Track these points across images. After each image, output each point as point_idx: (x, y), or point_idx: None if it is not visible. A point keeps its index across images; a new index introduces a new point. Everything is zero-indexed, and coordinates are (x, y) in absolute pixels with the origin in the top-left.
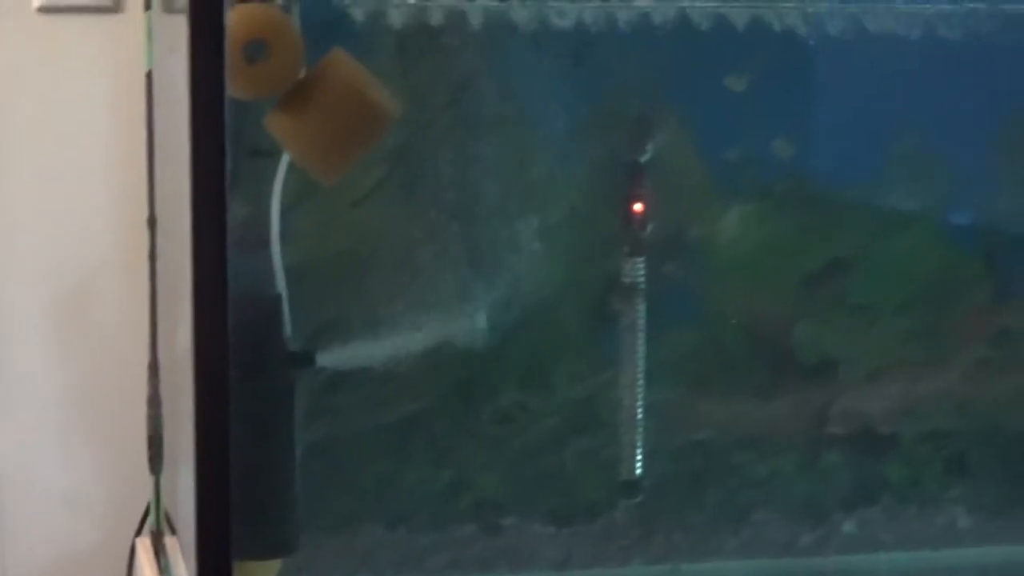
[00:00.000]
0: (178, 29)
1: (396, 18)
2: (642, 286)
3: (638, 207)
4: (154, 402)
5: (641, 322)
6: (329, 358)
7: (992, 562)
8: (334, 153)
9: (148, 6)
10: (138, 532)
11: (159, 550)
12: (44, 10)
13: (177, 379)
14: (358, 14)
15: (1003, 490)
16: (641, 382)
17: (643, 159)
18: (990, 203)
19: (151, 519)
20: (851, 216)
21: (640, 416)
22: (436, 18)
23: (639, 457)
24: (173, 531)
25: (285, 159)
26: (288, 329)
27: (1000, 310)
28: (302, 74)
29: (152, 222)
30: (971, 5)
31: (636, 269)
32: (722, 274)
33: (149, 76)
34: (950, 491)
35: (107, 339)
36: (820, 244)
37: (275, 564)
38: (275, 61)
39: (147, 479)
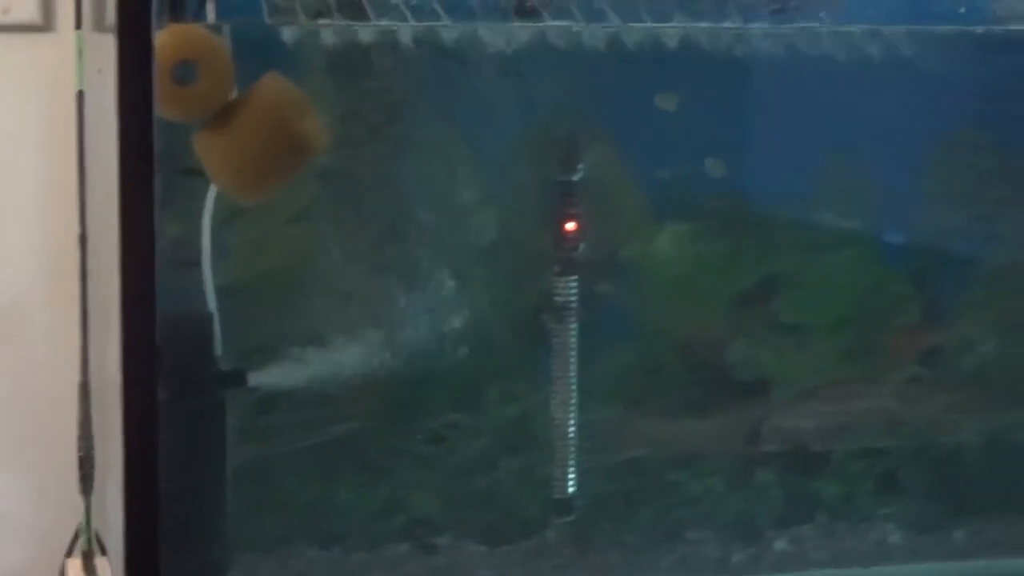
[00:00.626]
0: (108, 48)
1: (328, 39)
2: (575, 305)
3: (570, 226)
4: (85, 423)
5: (574, 341)
6: (261, 378)
7: None
8: (253, 177)
9: (79, 25)
10: (69, 553)
11: (89, 571)
12: None
13: (108, 399)
14: (289, 35)
15: (934, 507)
16: (574, 401)
17: (575, 178)
18: (920, 223)
19: (82, 540)
20: (784, 235)
21: (573, 435)
22: (367, 39)
23: (572, 476)
24: (104, 552)
25: None
26: (219, 348)
27: (930, 329)
28: (233, 96)
29: (83, 240)
30: (902, 27)
31: (569, 288)
32: (655, 293)
33: (80, 95)
34: (882, 508)
35: (38, 358)
36: (753, 263)
37: None
38: (204, 82)
39: (78, 500)
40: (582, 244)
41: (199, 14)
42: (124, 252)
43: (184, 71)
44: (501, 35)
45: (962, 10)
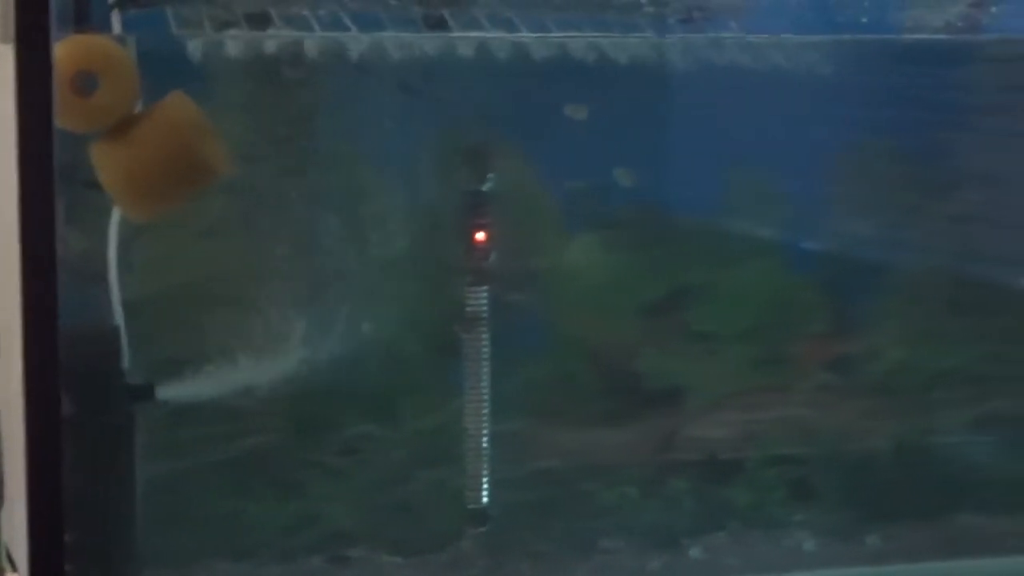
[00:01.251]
0: (7, 59)
1: (234, 51)
2: (486, 315)
3: (481, 236)
4: None
5: (486, 351)
6: (170, 392)
7: None
8: (146, 195)
9: None
10: None
11: None
12: None
13: (11, 414)
14: (195, 46)
15: (847, 514)
16: (487, 411)
17: (485, 188)
18: (829, 232)
19: None
20: (695, 245)
21: (487, 445)
22: (275, 51)
23: (486, 486)
24: (14, 568)
25: None
26: (127, 362)
27: (840, 336)
28: (136, 108)
29: None
30: (810, 37)
31: (480, 298)
32: (567, 303)
33: None
34: (795, 515)
35: None
36: (664, 272)
37: None
38: (105, 93)
39: None
40: (493, 254)
41: (104, 25)
42: (25, 265)
43: (85, 81)
44: (410, 46)
45: (864, 20)
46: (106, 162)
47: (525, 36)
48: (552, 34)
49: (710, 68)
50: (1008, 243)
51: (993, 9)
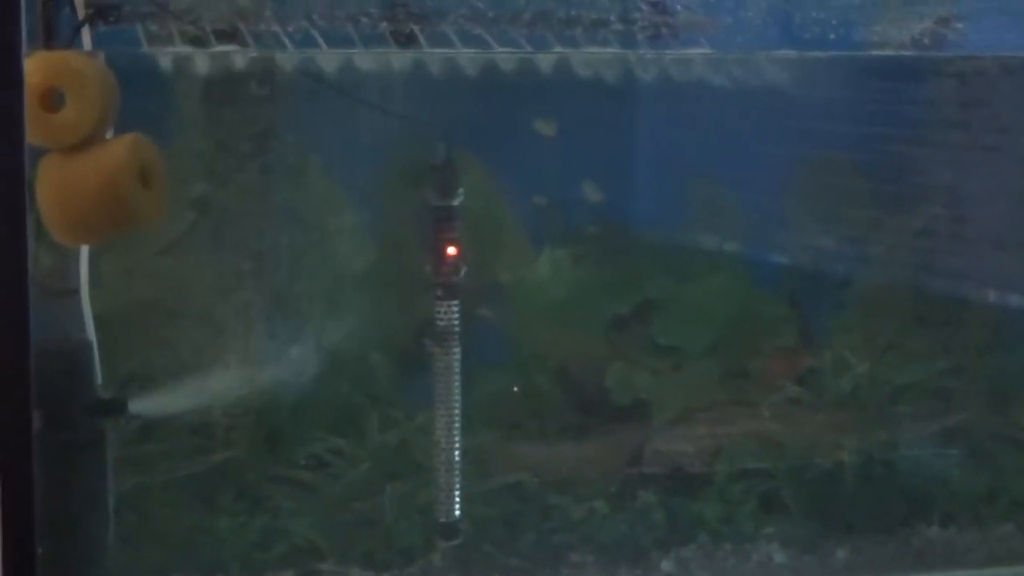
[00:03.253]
0: None
1: (202, 65)
2: (457, 329)
3: (451, 251)
4: None
5: (457, 365)
6: (141, 406)
7: None
8: (67, 224)
9: None
10: None
11: None
12: None
13: None
14: (165, 61)
15: (815, 527)
16: (458, 425)
17: (455, 203)
18: (792, 246)
19: None
20: (660, 259)
21: (458, 459)
22: (244, 67)
23: (457, 500)
24: None
25: None
26: (99, 377)
27: (805, 349)
28: (105, 124)
29: None
30: (776, 53)
31: (450, 312)
32: (534, 317)
33: None
34: (764, 528)
35: None
36: (630, 286)
37: None
38: (71, 110)
39: None
40: (463, 268)
41: (74, 41)
42: None
43: (53, 97)
44: (379, 62)
45: (832, 36)
46: (44, 179)
47: (494, 52)
48: (520, 50)
49: (678, 84)
50: (971, 257)
51: (959, 26)
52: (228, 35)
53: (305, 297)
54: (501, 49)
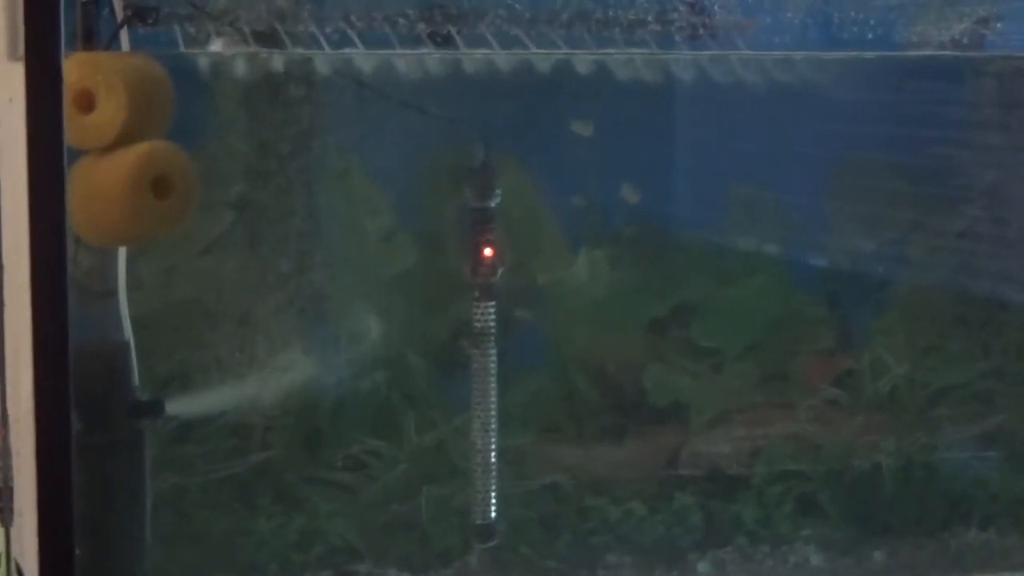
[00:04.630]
0: (18, 77)
1: (240, 66)
2: (493, 331)
3: (488, 252)
4: (3, 453)
5: (493, 367)
6: (178, 407)
7: None
8: (90, 225)
9: None
10: None
11: None
12: None
13: (22, 430)
14: (203, 62)
15: (853, 529)
16: (494, 426)
17: (492, 204)
18: (832, 248)
19: (1, 570)
20: (697, 261)
21: (494, 460)
22: (280, 67)
23: (494, 501)
24: None
25: None
26: (136, 378)
27: (844, 352)
28: (133, 123)
29: None
30: (814, 54)
31: (487, 314)
32: (572, 318)
33: None
34: (802, 530)
35: None
36: (667, 288)
37: None
38: (101, 112)
39: None
40: (500, 270)
41: (112, 43)
42: (35, 281)
43: (87, 99)
44: (416, 64)
45: (870, 36)
46: (74, 178)
47: (531, 53)
48: (558, 51)
49: (715, 85)
50: (1011, 259)
51: (998, 25)
52: (266, 36)
53: (343, 298)
54: (538, 50)
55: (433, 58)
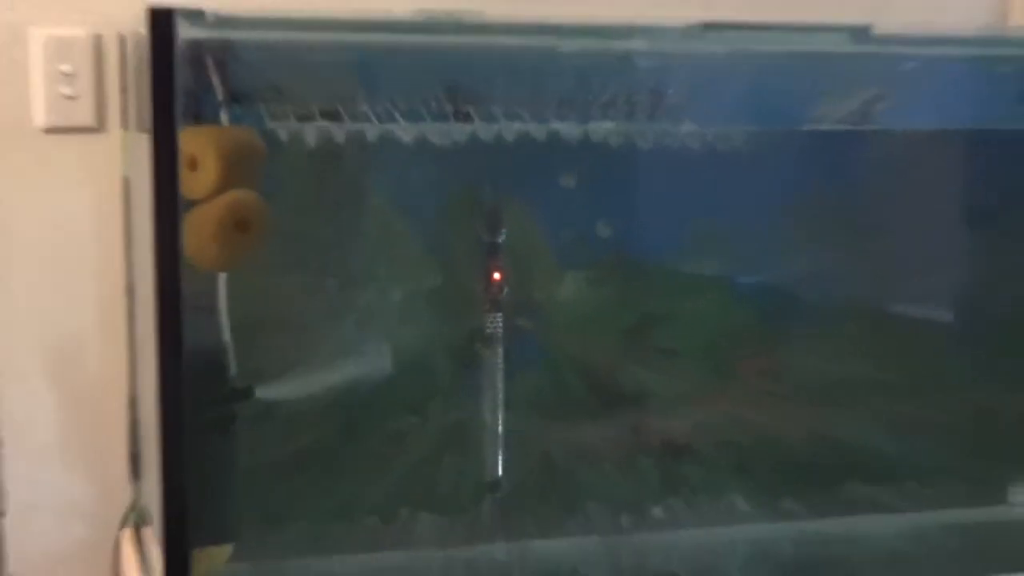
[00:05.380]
0: (144, 144)
1: (311, 136)
2: (500, 336)
3: (496, 276)
4: (133, 427)
5: (500, 364)
6: (263, 393)
7: (762, 536)
8: (194, 253)
9: (125, 126)
10: (122, 526)
11: (138, 539)
12: (47, 131)
13: (148, 411)
14: (282, 133)
15: (771, 483)
16: (501, 410)
17: (499, 240)
18: (765, 271)
19: (133, 516)
20: (659, 282)
21: (501, 434)
22: (341, 138)
23: (500, 463)
24: (149, 525)
25: None
26: (233, 370)
27: (774, 354)
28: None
29: (130, 290)
30: (741, 127)
31: (495, 323)
32: (562, 326)
33: (125, 180)
34: (733, 484)
35: (97, 381)
36: (636, 303)
37: (226, 548)
38: (200, 171)
39: (129, 487)
40: (506, 289)
41: (215, 117)
42: (158, 300)
43: (194, 162)
44: (444, 132)
45: (788, 113)
46: (187, 222)
47: (529, 124)
48: (550, 124)
49: (668, 149)
50: (899, 280)
51: (884, 104)
52: (331, 113)
53: (386, 311)
54: (536, 123)
55: (456, 128)
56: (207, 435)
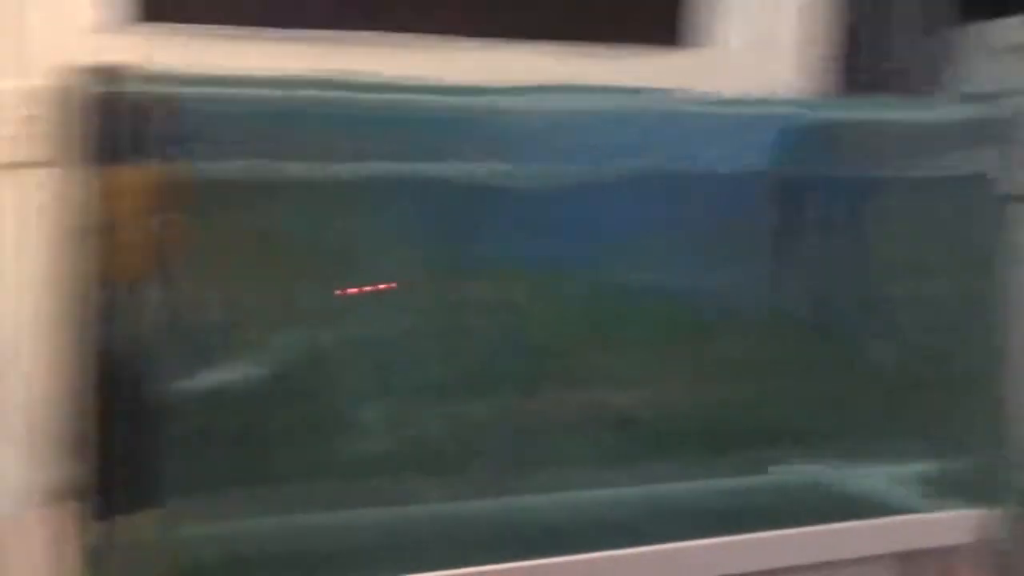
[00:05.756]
0: (69, 179)
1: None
2: None
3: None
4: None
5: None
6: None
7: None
8: None
9: (54, 164)
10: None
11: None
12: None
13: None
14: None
15: (702, 447)
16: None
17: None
18: (693, 279)
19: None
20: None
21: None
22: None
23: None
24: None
25: None
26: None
27: (704, 343)
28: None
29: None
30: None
31: None
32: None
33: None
34: (669, 449)
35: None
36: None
37: (153, 513)
38: (121, 203)
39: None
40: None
41: (135, 159)
42: (78, 307)
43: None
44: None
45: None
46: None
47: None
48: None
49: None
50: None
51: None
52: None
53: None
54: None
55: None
56: (140, 410)
